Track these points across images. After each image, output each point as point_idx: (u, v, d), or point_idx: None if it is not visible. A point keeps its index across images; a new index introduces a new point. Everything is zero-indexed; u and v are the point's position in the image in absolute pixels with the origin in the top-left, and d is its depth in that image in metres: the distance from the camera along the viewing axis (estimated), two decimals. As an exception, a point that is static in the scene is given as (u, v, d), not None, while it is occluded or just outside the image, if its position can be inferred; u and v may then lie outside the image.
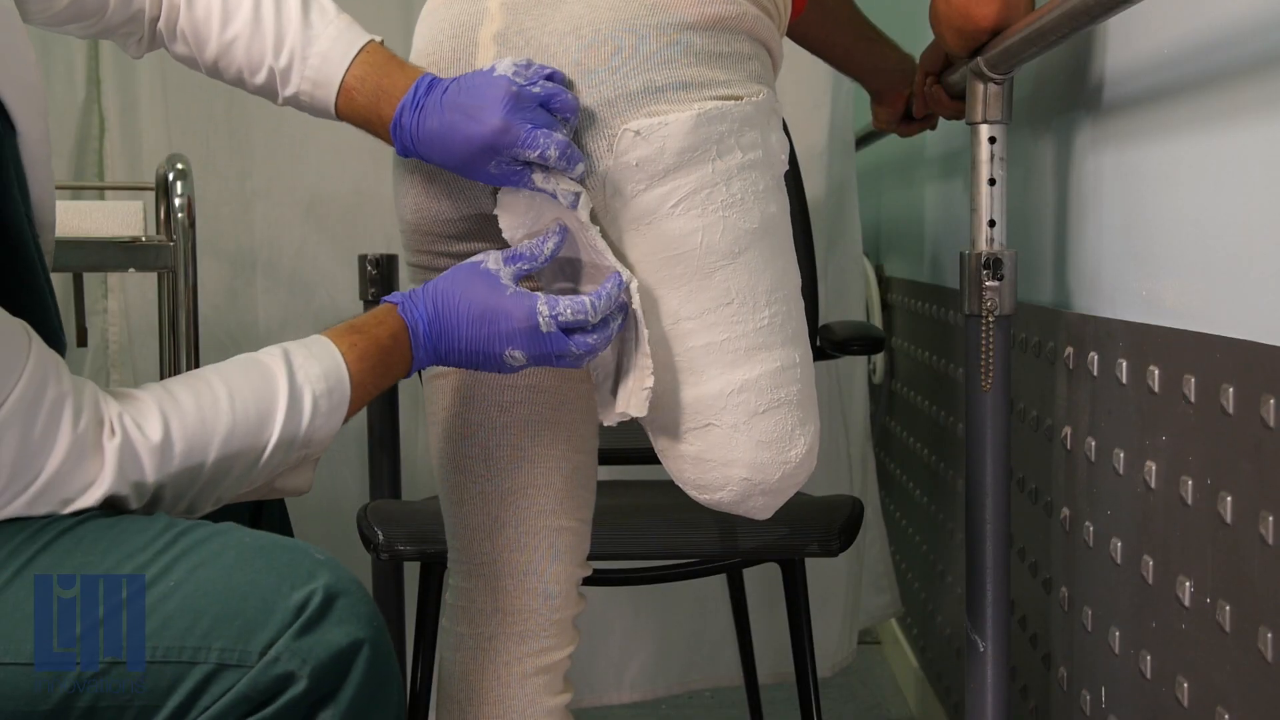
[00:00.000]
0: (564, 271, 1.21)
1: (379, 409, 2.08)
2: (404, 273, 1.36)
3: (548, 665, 1.32)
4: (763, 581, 2.21)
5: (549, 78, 1.13)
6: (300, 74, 1.17)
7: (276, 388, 1.05)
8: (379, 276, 2.07)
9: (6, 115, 1.06)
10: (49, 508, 0.96)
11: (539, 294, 1.14)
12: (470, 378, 1.29)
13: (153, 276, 1.88)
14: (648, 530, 1.68)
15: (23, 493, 0.95)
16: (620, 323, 1.16)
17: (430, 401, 1.34)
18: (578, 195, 1.14)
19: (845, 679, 2.54)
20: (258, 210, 2.28)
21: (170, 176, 1.82)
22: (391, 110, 1.15)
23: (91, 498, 0.97)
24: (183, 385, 1.03)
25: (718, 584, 2.20)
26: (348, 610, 0.94)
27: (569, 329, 1.13)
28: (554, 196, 1.14)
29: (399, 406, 2.10)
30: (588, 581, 1.37)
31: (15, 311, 0.97)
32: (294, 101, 1.20)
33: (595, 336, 1.14)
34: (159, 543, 0.94)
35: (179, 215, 1.82)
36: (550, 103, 1.12)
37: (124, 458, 0.97)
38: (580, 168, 1.13)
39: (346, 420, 1.11)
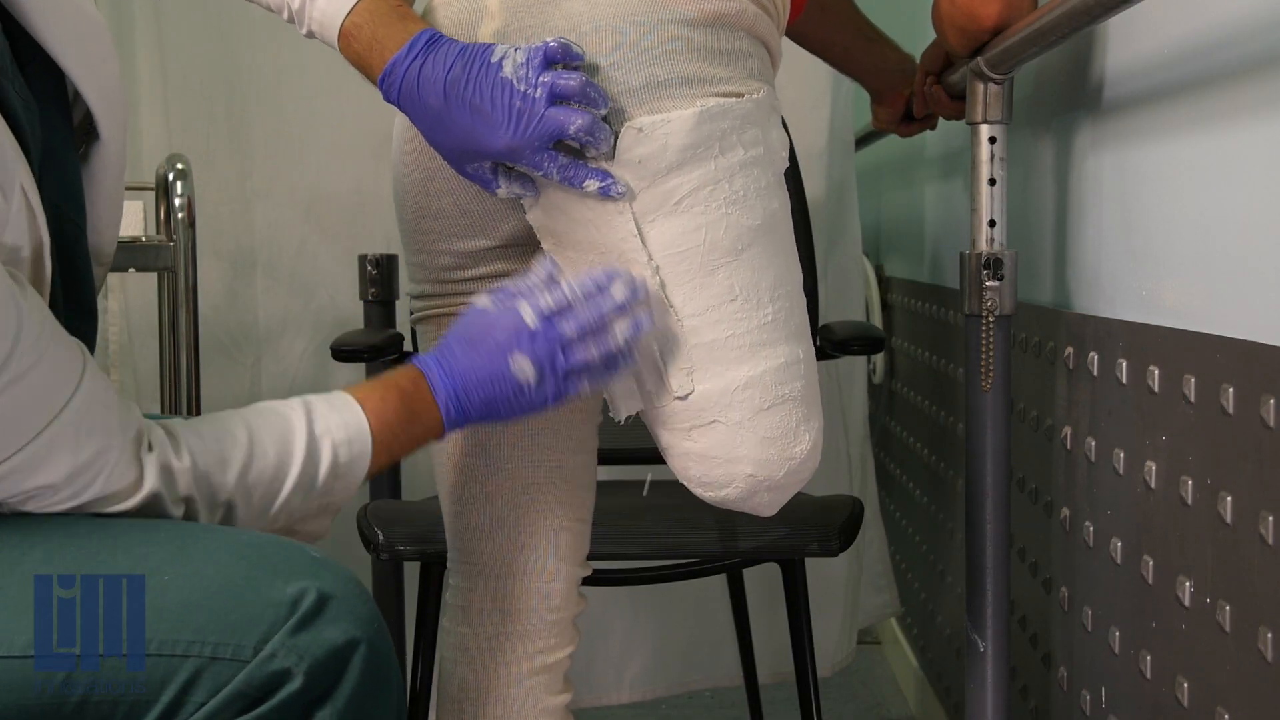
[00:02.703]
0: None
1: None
2: (404, 273, 1.36)
3: (548, 665, 1.32)
4: (763, 581, 2.21)
5: (555, 60, 1.13)
6: (309, 14, 1.17)
7: (294, 433, 1.06)
8: (379, 276, 2.07)
9: (93, 123, 1.09)
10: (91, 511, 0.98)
11: (519, 299, 1.15)
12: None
13: (153, 276, 1.88)
14: (648, 530, 1.68)
15: (71, 499, 0.97)
16: (612, 305, 1.15)
17: (430, 401, 1.34)
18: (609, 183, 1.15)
19: (845, 679, 2.54)
20: (258, 210, 2.27)
21: (170, 176, 1.82)
22: (382, 61, 1.13)
23: (131, 505, 0.99)
24: (205, 421, 1.05)
25: (718, 584, 2.20)
26: (343, 609, 0.94)
27: (553, 316, 1.13)
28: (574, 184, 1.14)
29: (399, 406, 2.10)
30: (588, 581, 1.37)
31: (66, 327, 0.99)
32: (312, 36, 1.19)
33: (584, 312, 1.14)
34: (155, 538, 0.95)
35: (179, 215, 1.82)
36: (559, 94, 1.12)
37: (162, 473, 0.99)
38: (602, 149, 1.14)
39: (379, 470, 1.11)
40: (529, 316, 1.13)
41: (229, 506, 1.03)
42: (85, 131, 1.11)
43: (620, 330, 1.14)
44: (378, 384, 1.12)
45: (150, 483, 0.98)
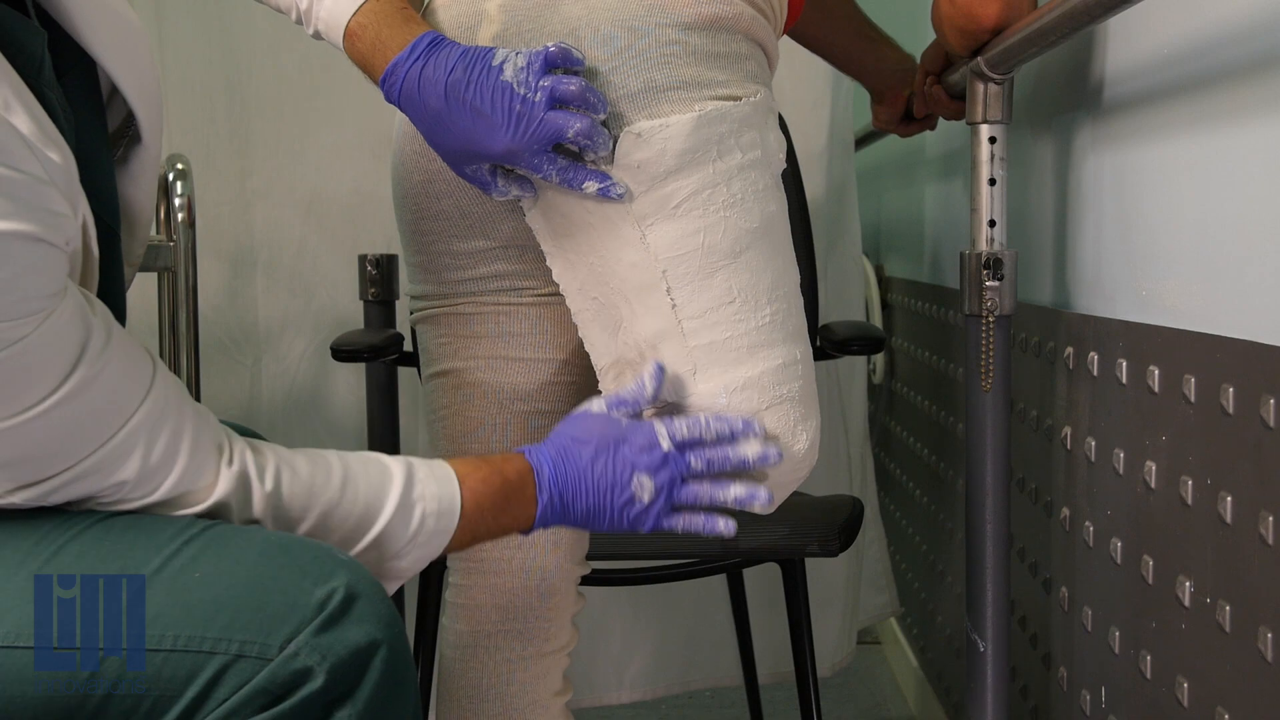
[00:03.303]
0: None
1: (379, 408, 2.08)
2: (404, 273, 1.36)
3: (547, 663, 1.32)
4: (763, 581, 2.21)
5: (555, 65, 1.13)
6: (316, 14, 1.17)
7: (390, 489, 1.06)
8: (379, 276, 2.07)
9: (132, 125, 1.10)
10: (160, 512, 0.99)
11: (654, 420, 1.16)
12: (469, 375, 1.29)
13: (152, 276, 1.88)
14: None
15: (142, 499, 0.98)
16: (740, 459, 1.16)
17: (429, 400, 1.35)
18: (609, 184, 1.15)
19: (845, 679, 2.54)
20: (258, 210, 2.27)
21: (170, 176, 1.82)
22: (385, 62, 1.14)
23: (199, 510, 1.00)
24: (305, 455, 1.05)
25: (718, 584, 2.20)
26: (367, 610, 0.94)
27: (684, 446, 1.15)
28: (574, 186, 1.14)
29: (399, 406, 2.10)
30: (588, 581, 1.37)
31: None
32: (319, 38, 1.19)
33: (711, 452, 1.15)
34: (186, 534, 0.95)
35: (179, 215, 1.82)
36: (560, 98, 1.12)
37: (238, 486, 1.00)
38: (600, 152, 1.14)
39: (455, 549, 1.11)
40: (664, 440, 1.14)
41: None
42: (123, 134, 1.12)
43: (736, 491, 1.16)
44: (484, 464, 1.12)
45: (221, 491, 0.99)
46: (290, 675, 0.91)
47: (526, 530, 1.13)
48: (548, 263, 1.22)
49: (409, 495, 1.06)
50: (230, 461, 1.00)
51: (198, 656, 0.91)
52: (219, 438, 1.01)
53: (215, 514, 1.00)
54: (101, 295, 1.03)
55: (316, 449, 1.07)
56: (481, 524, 1.10)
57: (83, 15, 1.03)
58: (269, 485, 1.01)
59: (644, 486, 1.13)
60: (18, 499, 0.94)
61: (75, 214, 0.93)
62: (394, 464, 1.08)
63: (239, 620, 0.92)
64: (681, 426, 1.15)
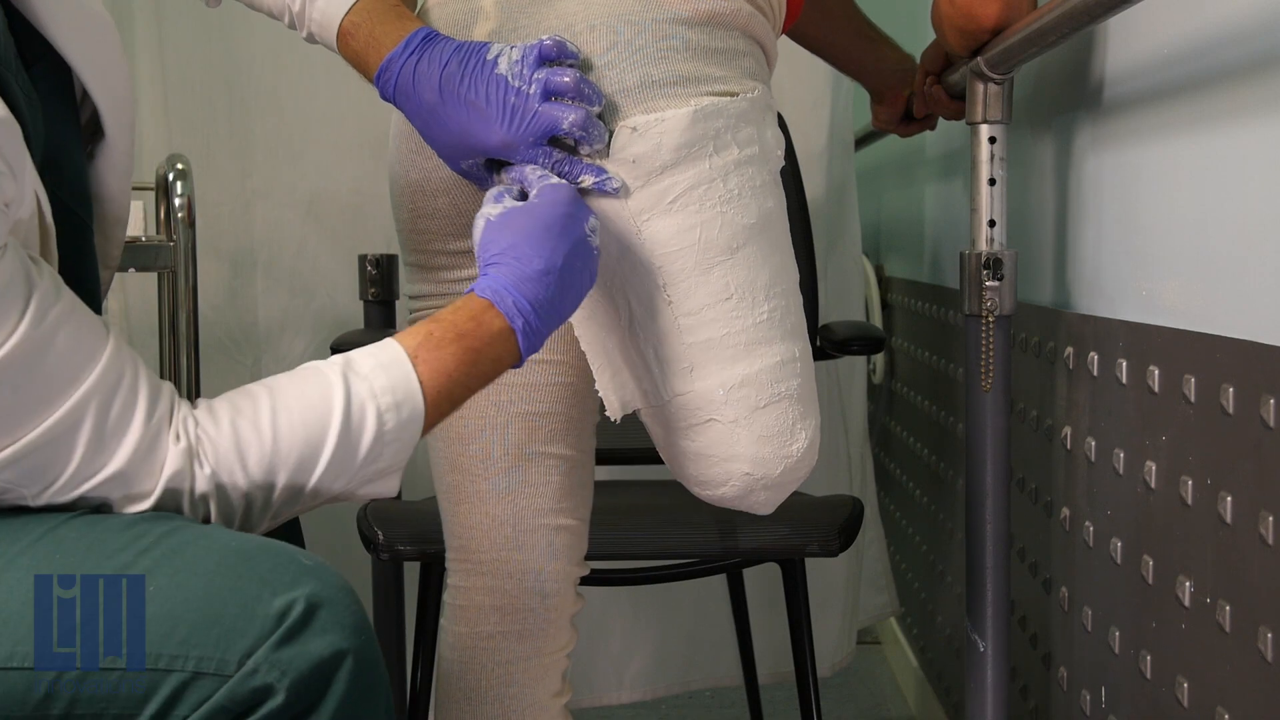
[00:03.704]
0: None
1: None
2: (404, 273, 1.36)
3: (546, 664, 1.32)
4: (763, 581, 2.21)
5: (550, 58, 1.13)
6: (309, 16, 1.17)
7: (331, 406, 1.01)
8: (379, 276, 2.07)
9: (99, 122, 1.09)
10: (112, 495, 0.96)
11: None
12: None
13: (153, 276, 1.88)
14: (648, 530, 1.68)
15: (91, 478, 0.94)
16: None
17: (430, 401, 1.34)
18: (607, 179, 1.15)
19: (845, 679, 2.54)
20: (258, 210, 2.27)
21: (170, 176, 1.82)
22: (379, 58, 1.14)
23: (151, 499, 0.96)
24: (224, 403, 1.02)
25: (718, 584, 2.20)
26: (331, 619, 0.91)
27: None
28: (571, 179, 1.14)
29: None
30: (587, 581, 1.37)
31: None
32: (312, 40, 1.19)
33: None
34: (141, 543, 0.92)
35: (179, 215, 1.82)
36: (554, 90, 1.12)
37: (186, 462, 0.97)
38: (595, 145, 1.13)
39: (441, 419, 1.06)
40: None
41: (248, 501, 1.00)
42: (92, 131, 1.11)
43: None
44: (432, 324, 1.05)
45: (168, 472, 0.96)
46: (249, 693, 0.88)
47: (517, 364, 1.08)
48: None
49: (350, 406, 1.00)
50: (178, 437, 0.97)
51: (154, 675, 0.88)
52: (164, 413, 0.98)
53: (164, 503, 0.97)
54: (73, 288, 1.03)
55: (244, 389, 1.03)
56: (455, 387, 1.05)
57: (46, 6, 1.02)
58: (207, 469, 0.98)
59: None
60: None
61: (14, 176, 0.91)
62: (331, 375, 1.03)
63: (195, 635, 0.88)
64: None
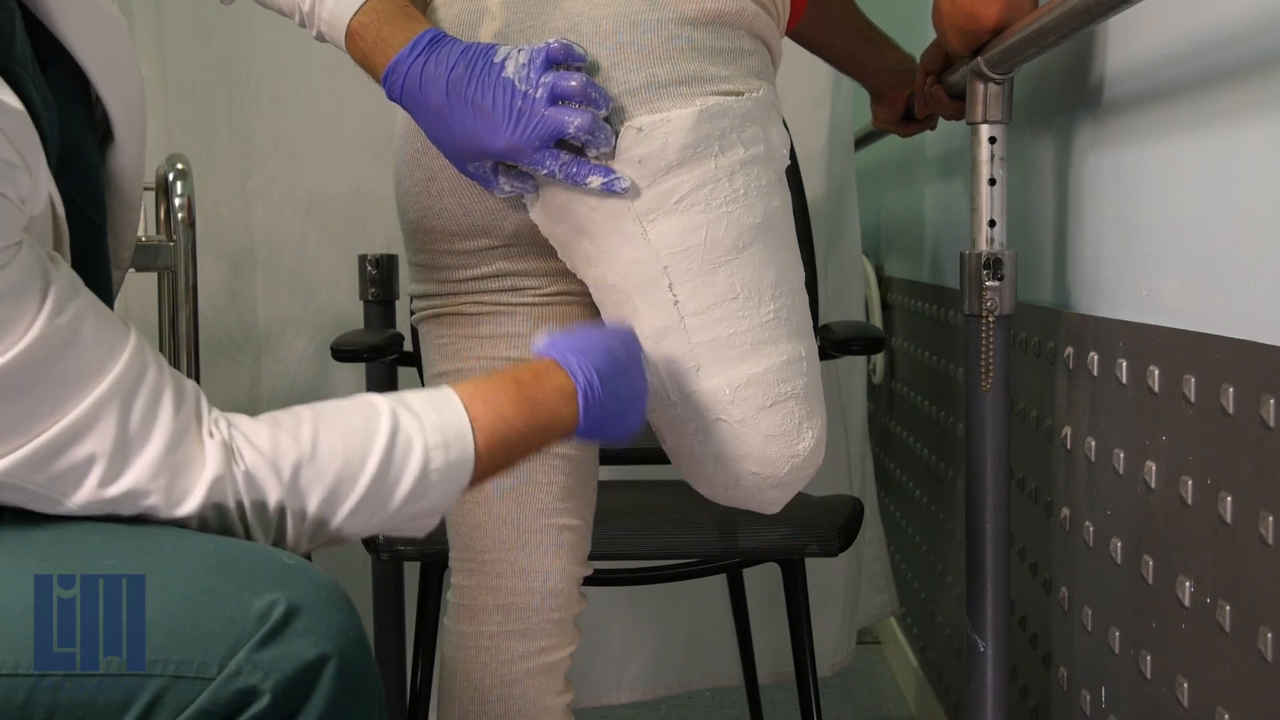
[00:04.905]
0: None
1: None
2: (404, 273, 1.37)
3: (549, 664, 1.32)
4: (763, 581, 2.21)
5: (557, 61, 1.13)
6: (319, 15, 1.17)
7: (376, 433, 0.98)
8: (379, 276, 2.07)
9: (109, 125, 1.09)
10: (151, 496, 0.93)
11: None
12: (471, 377, 1.29)
13: (153, 276, 1.88)
14: (648, 530, 1.68)
15: (120, 476, 0.92)
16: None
17: (430, 401, 1.34)
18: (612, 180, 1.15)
19: (845, 679, 2.54)
20: (258, 210, 2.27)
21: (170, 176, 1.82)
22: (386, 59, 1.14)
23: (193, 501, 0.94)
24: (265, 419, 0.99)
25: (718, 584, 2.20)
26: (314, 621, 0.89)
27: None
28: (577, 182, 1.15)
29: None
30: (588, 581, 1.37)
31: None
32: (322, 39, 1.18)
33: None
34: (119, 547, 0.91)
35: (179, 215, 1.82)
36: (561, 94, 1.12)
37: (226, 456, 0.95)
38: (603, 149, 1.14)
39: (491, 469, 1.03)
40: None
41: (280, 513, 0.97)
42: (104, 133, 1.11)
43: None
44: (494, 376, 1.05)
45: (211, 472, 0.93)
46: (233, 695, 0.86)
47: (574, 430, 1.06)
48: (560, 255, 1.22)
49: (394, 440, 0.98)
50: (211, 433, 0.95)
51: (132, 680, 0.86)
52: (200, 409, 0.95)
53: (210, 498, 0.94)
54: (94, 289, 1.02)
55: (292, 409, 1.00)
56: (512, 433, 1.02)
57: (60, 8, 1.02)
58: (265, 446, 0.95)
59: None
60: None
61: (29, 172, 0.90)
62: (380, 401, 1.01)
63: (174, 639, 0.87)
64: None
